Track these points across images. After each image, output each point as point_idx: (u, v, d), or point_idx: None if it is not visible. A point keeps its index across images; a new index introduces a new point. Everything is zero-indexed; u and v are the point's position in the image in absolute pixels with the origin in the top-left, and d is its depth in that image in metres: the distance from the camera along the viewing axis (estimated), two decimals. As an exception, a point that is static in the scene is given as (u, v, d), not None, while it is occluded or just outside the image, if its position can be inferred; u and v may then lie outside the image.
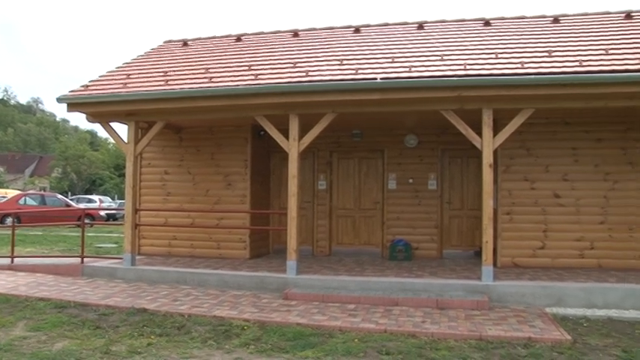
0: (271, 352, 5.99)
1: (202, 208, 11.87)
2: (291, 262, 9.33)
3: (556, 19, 11.82)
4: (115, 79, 11.05)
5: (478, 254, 9.74)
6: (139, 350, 6.04)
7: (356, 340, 6.36)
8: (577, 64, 8.63)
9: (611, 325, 7.33)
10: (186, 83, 10.06)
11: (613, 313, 7.86)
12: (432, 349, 6.06)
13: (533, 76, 8.36)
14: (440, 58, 9.53)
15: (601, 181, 10.35)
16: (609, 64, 8.57)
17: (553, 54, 9.22)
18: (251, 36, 13.58)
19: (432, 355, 5.89)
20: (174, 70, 11.08)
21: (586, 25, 11.26)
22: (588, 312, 7.91)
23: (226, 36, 13.80)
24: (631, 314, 7.84)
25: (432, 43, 10.80)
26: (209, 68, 10.72)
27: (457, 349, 6.08)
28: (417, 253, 11.91)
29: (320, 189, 12.77)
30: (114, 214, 30.97)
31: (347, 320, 7.16)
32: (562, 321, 7.38)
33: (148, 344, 6.25)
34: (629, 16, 11.60)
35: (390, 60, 9.70)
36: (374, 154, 12.63)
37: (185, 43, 13.64)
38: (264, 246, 12.60)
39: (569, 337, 6.48)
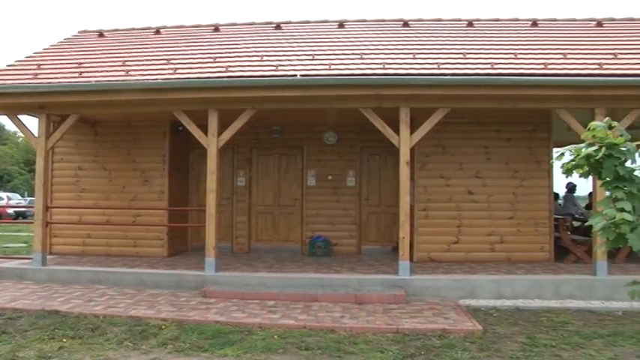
0: (190, 352, 5.90)
1: (118, 205, 11.50)
2: (210, 260, 9.21)
3: (470, 23, 12.28)
4: (25, 70, 10.49)
5: (395, 249, 9.98)
6: (49, 355, 5.77)
7: (275, 336, 6.37)
8: (489, 66, 9.00)
9: (518, 314, 7.75)
10: (101, 75, 9.71)
11: (520, 302, 8.31)
12: (350, 344, 6.16)
13: (448, 77, 8.65)
14: (359, 56, 9.67)
15: (510, 179, 10.86)
16: (518, 67, 9.01)
17: (467, 56, 9.57)
18: (170, 29, 13.28)
19: (351, 349, 5.98)
20: (89, 62, 10.66)
21: (497, 30, 11.80)
22: (498, 302, 8.30)
23: (145, 28, 13.43)
24: (536, 303, 8.32)
25: (352, 41, 10.96)
26: (126, 61, 10.38)
27: (375, 343, 6.20)
28: (336, 249, 12.05)
29: (239, 185, 12.67)
30: (24, 212, 29.59)
31: (266, 317, 7.15)
32: (474, 312, 7.70)
33: (60, 348, 5.98)
34: (535, 23, 12.26)
35: (310, 57, 9.76)
36: (293, 151, 12.66)
37: (101, 34, 13.16)
38: (183, 243, 12.37)
39: (480, 327, 6.77)
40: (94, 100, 9.42)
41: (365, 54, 9.82)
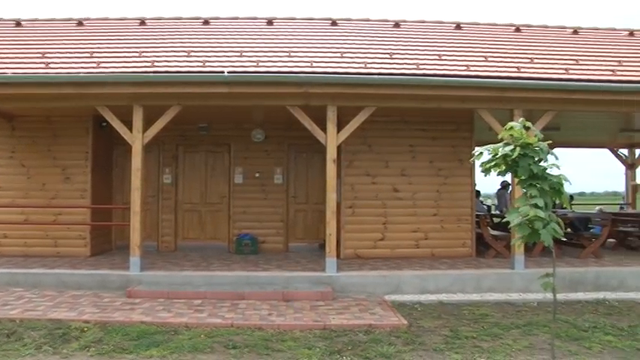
0: (113, 354, 5.74)
1: (38, 203, 11.01)
2: (135, 259, 8.99)
3: (397, 24, 12.53)
4: None
5: (323, 247, 10.07)
6: (-41, 362, 5.50)
7: (202, 335, 6.30)
8: (414, 66, 9.22)
9: (442, 308, 8.00)
10: (19, 67, 9.25)
11: (443, 297, 8.59)
12: (278, 341, 6.17)
13: (375, 76, 8.80)
14: (288, 54, 9.68)
15: (435, 176, 11.17)
16: (442, 68, 9.28)
17: (394, 56, 9.76)
18: (94, 21, 12.80)
19: (279, 346, 6.00)
20: (4, 52, 10.14)
21: (423, 32, 12.10)
22: (422, 297, 8.54)
23: (67, 19, 12.87)
24: (458, 297, 8.63)
25: (281, 39, 10.95)
26: (46, 53, 9.94)
27: (302, 340, 6.25)
28: (263, 246, 12.02)
29: (165, 183, 12.42)
30: None
31: (193, 316, 7.06)
32: (399, 307, 7.89)
33: (-29, 353, 5.70)
34: (458, 26, 12.64)
35: (238, 54, 9.68)
36: (221, 148, 12.53)
37: (18, 23, 12.52)
38: (107, 242, 12.00)
39: (405, 322, 6.95)
40: (10, 93, 8.97)
41: (293, 52, 9.84)
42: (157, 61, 9.29)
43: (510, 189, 14.08)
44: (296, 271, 9.25)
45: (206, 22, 12.31)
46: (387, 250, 10.92)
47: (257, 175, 12.35)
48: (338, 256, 9.51)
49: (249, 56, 9.56)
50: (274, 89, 8.80)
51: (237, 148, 12.42)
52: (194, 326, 6.67)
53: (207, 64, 9.13)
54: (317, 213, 12.34)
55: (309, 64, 9.10)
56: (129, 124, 9.03)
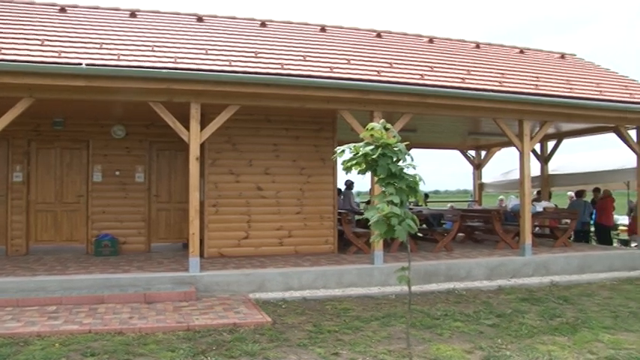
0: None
1: None
2: (-22, 264, 8.27)
3: (263, 23, 12.59)
4: None
5: (186, 246, 9.90)
6: None
7: (57, 344, 5.94)
8: (279, 66, 9.32)
9: (306, 304, 8.18)
10: None
11: (307, 293, 8.78)
12: (139, 345, 5.99)
13: (240, 75, 8.78)
14: (151, 48, 9.38)
15: (298, 175, 11.37)
16: (306, 69, 9.46)
17: (259, 55, 9.80)
18: None
19: (140, 350, 5.82)
20: None
21: (289, 32, 12.26)
22: (287, 294, 8.67)
23: None
24: (321, 293, 8.86)
25: (144, 32, 10.57)
26: None
27: (165, 342, 6.11)
28: (124, 247, 11.58)
29: (15, 181, 11.51)
30: None
31: (46, 324, 6.62)
32: (264, 305, 7.96)
33: None
34: (323, 29, 12.99)
35: (98, 46, 9.20)
36: (78, 145, 11.87)
37: None
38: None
39: (269, 319, 7.03)
40: None
41: (157, 46, 9.55)
42: (5, 49, 8.57)
43: (354, 189, 14.75)
44: (158, 272, 9.00)
45: (63, 9, 11.56)
46: (251, 248, 10.96)
47: (117, 173, 11.86)
48: (202, 255, 9.39)
49: (110, 49, 9.13)
50: (136, 84, 8.47)
51: (95, 145, 11.83)
52: (47, 335, 6.26)
53: (63, 54, 8.58)
54: (180, 212, 12.10)
55: (172, 60, 8.89)
56: (-28, 118, 8.29)
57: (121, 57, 8.73)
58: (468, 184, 20.31)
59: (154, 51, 9.26)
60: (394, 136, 4.70)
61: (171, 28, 11.15)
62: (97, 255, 11.02)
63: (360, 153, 4.58)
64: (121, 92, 8.59)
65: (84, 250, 11.65)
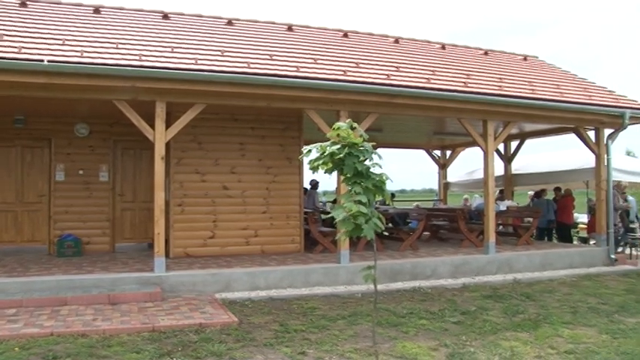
0: None
1: None
2: None
3: (230, 22, 12.52)
4: None
5: (152, 246, 9.77)
6: None
7: (17, 348, 5.79)
8: (246, 65, 9.27)
9: (272, 303, 8.18)
10: None
11: (273, 292, 8.77)
12: (103, 347, 5.90)
13: (206, 73, 8.71)
14: (115, 46, 9.22)
15: (264, 174, 11.35)
16: (273, 68, 9.43)
17: (225, 54, 9.74)
18: None
19: (104, 352, 5.74)
20: None
21: (255, 31, 12.20)
22: (253, 294, 8.65)
23: None
24: (288, 292, 8.86)
25: (108, 29, 10.38)
26: None
27: (130, 343, 6.03)
28: (87, 247, 11.38)
29: (-28, 180, 11.25)
30: None
31: (5, 328, 6.45)
32: (230, 305, 7.92)
33: None
34: (290, 28, 12.99)
35: (60, 42, 9.01)
36: (40, 143, 11.62)
37: None
38: None
39: (236, 319, 7.01)
40: None
41: (121, 43, 9.40)
42: (-38, 45, 8.36)
43: (319, 188, 14.81)
44: (123, 273, 8.88)
45: (23, 3, 11.29)
46: (217, 248, 10.89)
47: (80, 172, 11.65)
48: (167, 255, 9.30)
49: (73, 45, 8.95)
50: (100, 82, 8.32)
51: (58, 144, 11.60)
52: (6, 339, 6.10)
53: (23, 50, 8.37)
54: (145, 211, 11.95)
55: (137, 58, 8.76)
56: None
57: (85, 54, 8.56)
58: (434, 184, 20.59)
59: (119, 48, 9.12)
60: (360, 136, 4.73)
61: (136, 25, 11.00)
62: (60, 256, 10.81)
63: (327, 152, 4.59)
64: (84, 90, 8.43)
65: (46, 250, 11.43)
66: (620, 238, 13.34)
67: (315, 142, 4.76)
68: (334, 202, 14.52)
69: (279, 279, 9.20)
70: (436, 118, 12.43)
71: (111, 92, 8.53)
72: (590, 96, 12.41)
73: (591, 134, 12.62)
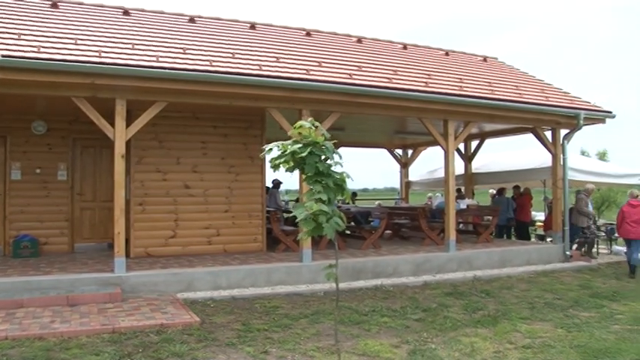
0: None
1: None
2: None
3: (192, 19, 12.40)
4: None
5: (112, 246, 9.62)
6: None
7: (-30, 351, 5.66)
8: (208, 63, 9.20)
9: (234, 303, 8.15)
10: None
11: (236, 292, 8.74)
12: (62, 350, 5.79)
13: (167, 71, 8.61)
14: (74, 41, 9.02)
15: (226, 173, 11.29)
16: (235, 66, 9.39)
17: (187, 51, 9.64)
18: None
19: (62, 355, 5.63)
20: None
21: (218, 29, 12.13)
22: (215, 293, 8.60)
23: None
24: (250, 291, 8.84)
25: (67, 24, 10.16)
26: None
27: (89, 346, 5.93)
28: (45, 248, 11.12)
29: None
30: None
31: (-41, 329, 6.30)
32: (192, 304, 7.86)
33: None
34: (253, 26, 12.95)
35: (16, 36, 8.77)
36: (-6, 141, 11.32)
37: None
38: None
39: (198, 319, 6.95)
40: None
41: (80, 39, 9.20)
42: None
43: (281, 187, 14.80)
44: (82, 273, 8.71)
45: (-25, -1, 10.99)
46: (179, 247, 10.79)
47: (38, 171, 11.37)
48: (128, 255, 9.17)
49: (29, 40, 8.72)
50: (58, 78, 8.13)
51: (14, 142, 11.29)
52: (-41, 341, 5.96)
53: (-25, 46, 8.16)
54: (105, 211, 11.75)
55: (97, 54, 8.60)
56: None
57: (42, 49, 8.36)
58: (396, 183, 20.74)
59: (78, 44, 8.93)
60: (322, 134, 4.74)
61: (96, 21, 10.78)
62: (16, 257, 10.54)
63: (288, 151, 4.59)
64: (41, 86, 8.23)
65: (1, 251, 11.12)
66: (585, 238, 13.55)
67: (278, 141, 4.76)
68: (297, 200, 14.52)
69: (241, 278, 9.16)
70: (398, 118, 12.54)
71: (69, 89, 8.36)
72: (547, 97, 12.72)
73: (548, 134, 12.93)
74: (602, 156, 35.39)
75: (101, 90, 8.47)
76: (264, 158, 10.45)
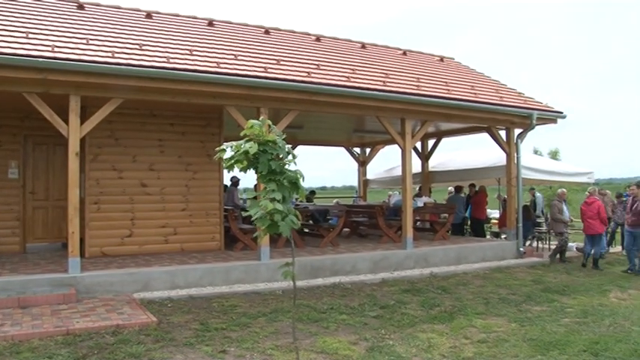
0: None
1: None
2: None
3: (149, 15, 12.20)
4: None
5: (66, 246, 9.41)
6: None
7: None
8: (165, 60, 9.08)
9: (192, 302, 8.07)
10: None
11: (193, 291, 8.66)
12: (12, 354, 5.63)
13: (123, 67, 8.46)
14: (25, 35, 8.77)
15: (184, 171, 11.19)
16: (193, 63, 9.29)
17: (144, 47, 9.50)
18: None
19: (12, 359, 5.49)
20: None
21: (175, 25, 11.96)
22: (172, 293, 8.51)
23: None
24: (208, 290, 8.78)
25: (18, 17, 9.84)
26: None
27: (42, 349, 5.79)
28: (-6, 248, 10.82)
29: None
30: None
31: None
32: (149, 304, 7.76)
33: None
34: (211, 23, 12.83)
35: (-38, 31, 8.52)
36: (-60, 138, 10.92)
37: None
38: None
39: (155, 319, 6.87)
40: None
41: (32, 33, 8.94)
42: None
43: (240, 185, 14.75)
44: (34, 274, 8.48)
45: None
46: (136, 246, 10.63)
47: (-14, 168, 11.05)
48: (82, 255, 8.99)
49: (-23, 34, 8.47)
50: (8, 73, 7.88)
51: (-39, 138, 10.95)
52: None
53: None
54: (59, 210, 11.48)
55: (50, 49, 8.38)
56: None
57: (-10, 44, 8.11)
58: (354, 181, 20.88)
59: (29, 38, 8.68)
60: (274, 132, 4.73)
61: (50, 15, 10.49)
62: (-36, 257, 10.22)
63: (241, 150, 4.57)
64: (-10, 81, 7.99)
65: (-52, 251, 10.77)
66: (561, 245, 13.56)
67: (236, 139, 4.73)
68: (255, 199, 14.46)
69: (199, 277, 9.08)
70: (356, 116, 12.62)
71: (21, 84, 8.13)
72: (502, 97, 13.00)
73: (502, 134, 13.21)
74: (554, 155, 36.42)
75: (54, 86, 8.27)
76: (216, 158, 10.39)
